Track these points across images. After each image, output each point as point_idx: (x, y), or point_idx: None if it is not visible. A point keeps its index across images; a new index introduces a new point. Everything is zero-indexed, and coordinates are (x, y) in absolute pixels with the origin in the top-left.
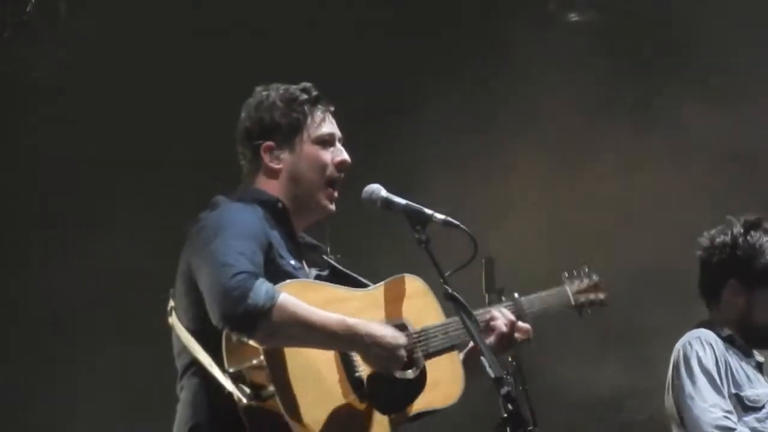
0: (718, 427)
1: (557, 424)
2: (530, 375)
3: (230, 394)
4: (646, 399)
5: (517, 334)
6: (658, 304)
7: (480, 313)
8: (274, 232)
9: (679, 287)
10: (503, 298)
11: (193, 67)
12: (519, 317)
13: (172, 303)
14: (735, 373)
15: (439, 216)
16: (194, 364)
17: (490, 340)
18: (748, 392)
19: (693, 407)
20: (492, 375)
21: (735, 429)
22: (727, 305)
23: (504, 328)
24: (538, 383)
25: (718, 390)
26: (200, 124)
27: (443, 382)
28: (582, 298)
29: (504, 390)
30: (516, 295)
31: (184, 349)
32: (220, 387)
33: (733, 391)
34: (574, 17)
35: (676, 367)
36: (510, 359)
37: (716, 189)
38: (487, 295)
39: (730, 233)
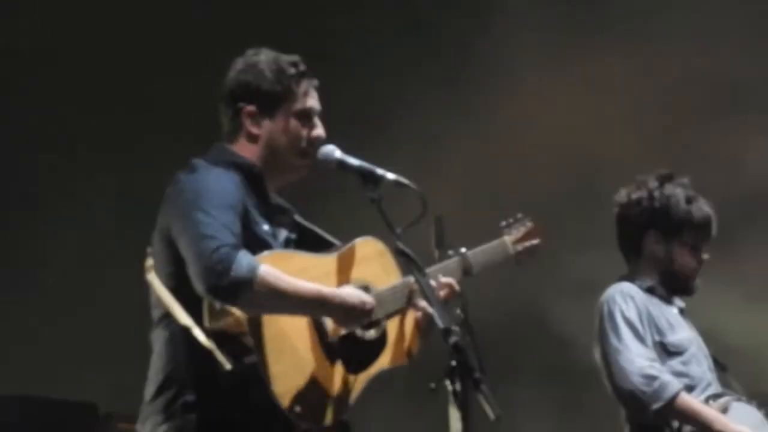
0: (643, 375)
1: None
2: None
3: (203, 351)
4: None
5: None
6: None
7: (432, 270)
8: (249, 198)
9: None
10: (450, 252)
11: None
12: (466, 272)
13: (150, 261)
14: (657, 322)
15: (391, 176)
16: (165, 318)
17: (441, 293)
18: (671, 338)
19: (619, 358)
20: (441, 326)
21: (658, 377)
22: (648, 256)
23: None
24: None
25: (641, 340)
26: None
27: (402, 340)
28: (519, 247)
29: (452, 340)
30: (463, 249)
31: (159, 301)
32: (194, 342)
33: (657, 339)
34: None
35: (601, 321)
36: (458, 310)
37: None
38: (437, 251)
39: (645, 188)
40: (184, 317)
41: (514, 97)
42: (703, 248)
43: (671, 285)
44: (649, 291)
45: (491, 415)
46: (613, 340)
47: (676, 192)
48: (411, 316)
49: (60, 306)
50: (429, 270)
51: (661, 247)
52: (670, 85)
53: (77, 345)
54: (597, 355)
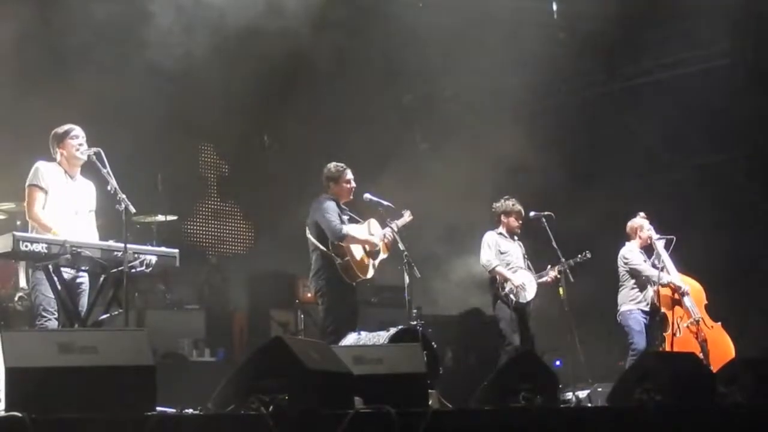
0: (488, 260)
1: None
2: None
3: (332, 258)
4: None
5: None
6: None
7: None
8: (337, 209)
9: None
10: (396, 222)
11: None
12: (398, 227)
13: (308, 229)
14: (498, 244)
15: (386, 203)
16: (316, 250)
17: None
18: (501, 248)
19: (482, 253)
20: (401, 248)
21: (491, 260)
22: (500, 222)
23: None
24: None
25: (490, 249)
26: None
27: (385, 248)
28: (408, 219)
29: (405, 252)
30: (396, 221)
31: (312, 243)
32: (326, 255)
33: (498, 249)
34: None
35: (481, 245)
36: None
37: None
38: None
39: (501, 200)
40: (323, 248)
41: None
42: (520, 220)
43: (509, 231)
44: (499, 234)
45: (417, 275)
46: (482, 248)
47: (509, 202)
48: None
49: None
50: (387, 227)
51: (505, 219)
52: None
53: None
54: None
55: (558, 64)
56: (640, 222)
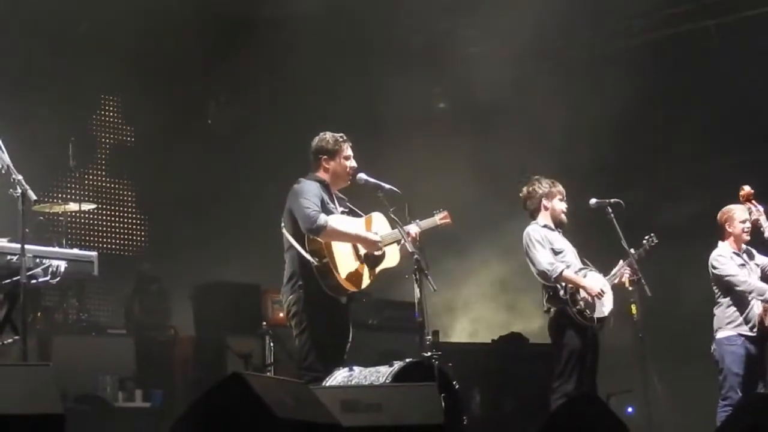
0: (548, 263)
1: None
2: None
3: (308, 260)
4: None
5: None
6: None
7: (408, 227)
8: (324, 194)
9: None
10: (413, 220)
11: None
12: (419, 228)
13: (282, 223)
14: (550, 240)
15: (387, 186)
16: (291, 247)
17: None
18: (555, 246)
19: (536, 256)
20: (410, 249)
21: (554, 263)
22: (543, 211)
23: (414, 234)
24: None
25: (544, 248)
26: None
27: (392, 255)
28: (440, 222)
29: (415, 256)
30: (418, 220)
31: (287, 240)
32: (303, 257)
33: (550, 247)
34: None
35: (526, 241)
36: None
37: None
38: (408, 218)
39: (537, 184)
40: (298, 246)
41: None
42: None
43: (555, 222)
44: (545, 227)
45: (433, 288)
46: (532, 249)
47: (546, 181)
48: (396, 245)
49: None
50: (406, 226)
51: (548, 203)
52: None
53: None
54: (527, 257)
55: None
56: (731, 210)
